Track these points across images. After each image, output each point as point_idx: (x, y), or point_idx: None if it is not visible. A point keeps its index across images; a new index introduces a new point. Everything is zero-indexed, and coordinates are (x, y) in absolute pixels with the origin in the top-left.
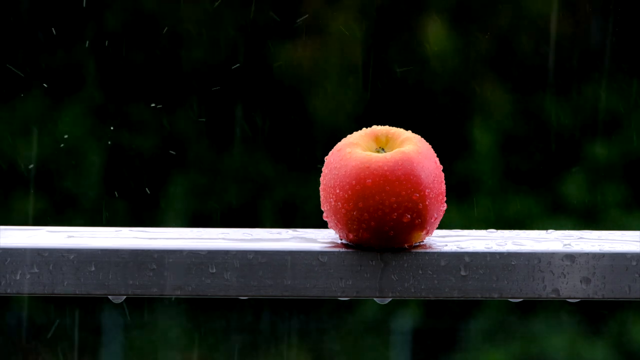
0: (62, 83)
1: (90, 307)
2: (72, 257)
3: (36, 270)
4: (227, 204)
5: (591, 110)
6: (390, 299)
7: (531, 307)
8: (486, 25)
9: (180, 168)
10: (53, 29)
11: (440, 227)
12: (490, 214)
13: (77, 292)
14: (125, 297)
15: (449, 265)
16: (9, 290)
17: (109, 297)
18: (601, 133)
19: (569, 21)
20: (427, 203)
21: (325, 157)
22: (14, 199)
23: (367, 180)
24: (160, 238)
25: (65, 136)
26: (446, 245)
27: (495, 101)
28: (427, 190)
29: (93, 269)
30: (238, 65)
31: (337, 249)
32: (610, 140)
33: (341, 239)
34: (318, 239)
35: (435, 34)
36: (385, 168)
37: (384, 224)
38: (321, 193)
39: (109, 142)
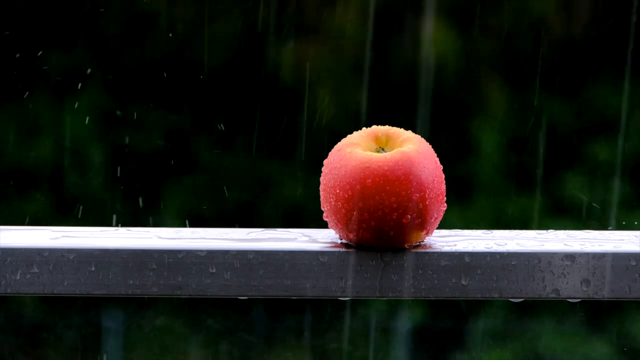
0: (65, 83)
1: (90, 307)
2: (72, 257)
3: (36, 270)
4: (228, 204)
5: (593, 110)
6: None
7: (532, 307)
8: (487, 25)
9: (181, 168)
10: (55, 28)
11: (440, 227)
12: (491, 214)
13: (77, 292)
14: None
15: (449, 265)
16: (9, 290)
17: None
18: (603, 132)
19: (571, 21)
20: (427, 203)
21: (325, 157)
22: (15, 199)
23: (367, 180)
24: (160, 238)
25: (67, 136)
26: (446, 245)
27: (496, 101)
28: (427, 190)
29: (93, 269)
30: (238, 65)
31: (337, 249)
32: (612, 140)
33: (341, 239)
34: (318, 239)
35: (436, 33)
36: (386, 168)
37: (384, 224)
38: (321, 193)
39: (111, 142)
